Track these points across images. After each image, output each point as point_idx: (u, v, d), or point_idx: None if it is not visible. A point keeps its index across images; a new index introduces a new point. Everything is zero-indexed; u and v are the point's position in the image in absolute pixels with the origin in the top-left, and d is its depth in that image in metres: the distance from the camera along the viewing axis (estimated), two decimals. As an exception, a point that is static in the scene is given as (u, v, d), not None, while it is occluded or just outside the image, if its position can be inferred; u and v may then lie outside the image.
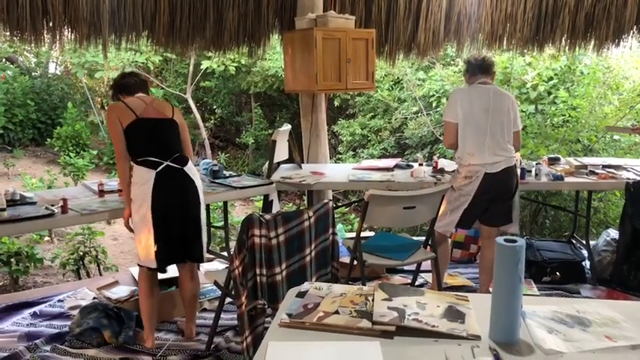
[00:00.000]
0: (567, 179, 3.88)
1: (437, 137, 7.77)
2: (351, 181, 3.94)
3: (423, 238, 3.48)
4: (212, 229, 4.52)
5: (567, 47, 4.94)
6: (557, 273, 3.93)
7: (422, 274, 3.88)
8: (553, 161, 4.27)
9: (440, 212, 3.23)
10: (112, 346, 3.03)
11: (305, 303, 1.59)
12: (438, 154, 6.34)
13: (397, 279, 4.02)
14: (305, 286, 1.73)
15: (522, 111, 6.51)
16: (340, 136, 9.09)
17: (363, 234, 3.14)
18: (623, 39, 4.84)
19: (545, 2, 4.72)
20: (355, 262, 3.11)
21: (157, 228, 2.85)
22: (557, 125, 6.63)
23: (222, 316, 3.03)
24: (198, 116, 10.43)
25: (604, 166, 4.07)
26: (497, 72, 3.58)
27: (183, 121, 3.13)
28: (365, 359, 1.32)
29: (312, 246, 2.57)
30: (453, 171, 3.58)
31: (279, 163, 4.23)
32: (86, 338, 3.06)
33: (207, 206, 4.41)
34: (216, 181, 3.79)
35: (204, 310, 3.57)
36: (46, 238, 6.41)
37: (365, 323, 1.47)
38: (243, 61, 9.62)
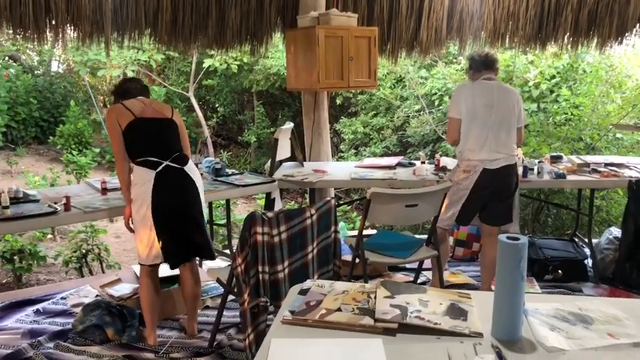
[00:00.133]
0: (570, 177, 3.88)
1: (439, 135, 7.76)
2: (353, 180, 3.94)
3: (425, 236, 3.48)
4: (214, 226, 4.53)
5: (570, 45, 4.94)
6: (560, 271, 3.92)
7: (424, 272, 3.89)
8: (555, 159, 4.27)
9: (442, 209, 3.24)
10: (115, 343, 3.03)
11: (307, 300, 1.60)
12: (440, 153, 6.32)
13: (399, 277, 4.02)
14: (307, 283, 1.73)
15: (525, 109, 6.51)
16: (342, 135, 9.10)
17: (365, 232, 3.14)
18: (626, 37, 4.83)
19: (547, 0, 4.71)
20: (357, 260, 3.12)
21: (158, 227, 2.86)
22: (560, 123, 6.62)
23: (224, 313, 3.03)
24: (200, 114, 10.44)
25: (607, 164, 4.06)
26: (499, 70, 3.57)
27: (182, 122, 3.13)
28: (367, 356, 1.32)
29: (315, 244, 2.57)
30: (455, 166, 3.58)
31: (281, 161, 4.24)
32: (89, 336, 3.07)
33: (210, 204, 4.44)
34: (219, 179, 3.80)
35: (207, 307, 3.58)
36: (49, 236, 6.43)
37: (367, 320, 1.47)
38: (245, 60, 9.62)
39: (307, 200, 4.88)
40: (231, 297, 3.01)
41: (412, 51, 4.96)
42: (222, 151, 11.02)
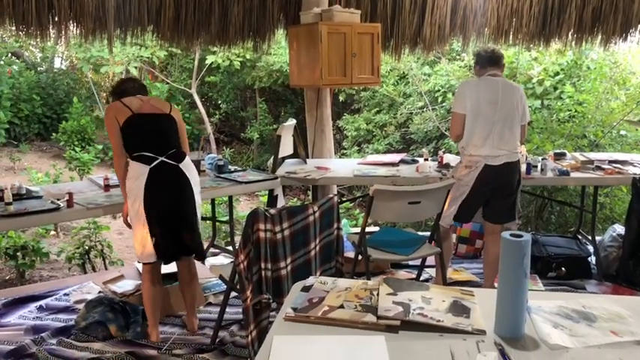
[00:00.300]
0: (573, 174, 3.87)
1: (442, 132, 7.75)
2: (356, 176, 3.94)
3: (428, 233, 3.47)
4: (217, 223, 4.53)
5: (574, 42, 4.91)
6: (563, 268, 3.92)
7: (426, 269, 3.88)
8: (559, 156, 4.26)
9: (445, 206, 3.23)
10: (118, 339, 3.04)
11: (310, 297, 1.59)
12: (443, 149, 6.33)
13: (402, 274, 4.02)
14: (310, 280, 1.73)
15: (528, 106, 6.49)
16: (345, 131, 9.08)
17: (367, 229, 3.14)
18: (630, 33, 4.80)
19: (551, -3, 4.70)
20: (360, 257, 3.11)
21: (150, 223, 2.85)
22: (563, 120, 6.60)
23: (227, 310, 3.04)
24: (203, 111, 10.44)
25: (610, 162, 4.05)
26: (504, 67, 3.56)
27: (181, 119, 3.13)
28: (370, 353, 1.32)
29: (317, 240, 2.57)
30: (458, 162, 3.57)
31: (283, 158, 4.23)
32: (92, 332, 3.08)
33: (213, 201, 4.43)
34: (222, 175, 3.80)
35: (210, 304, 3.58)
36: (52, 232, 6.45)
37: (370, 317, 1.47)
38: (248, 56, 9.61)
39: (310, 197, 4.88)
40: (233, 294, 3.01)
41: (415, 47, 4.94)
42: (224, 147, 11.02)
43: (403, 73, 8.78)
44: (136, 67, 9.71)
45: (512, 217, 3.41)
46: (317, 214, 2.54)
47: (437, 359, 1.29)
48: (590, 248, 4.17)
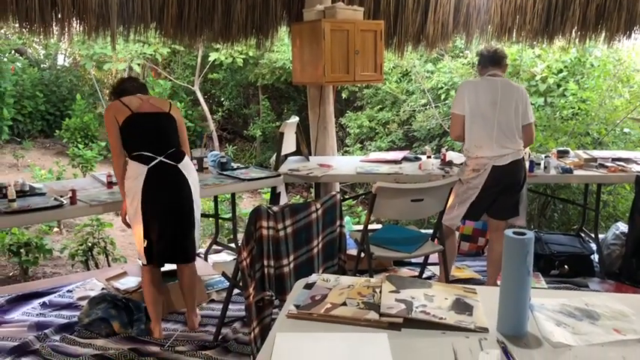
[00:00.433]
0: (576, 172, 3.85)
1: (445, 130, 7.74)
2: (358, 174, 3.94)
3: (431, 230, 3.47)
4: (220, 220, 4.54)
5: (577, 39, 4.90)
6: (566, 266, 3.91)
7: (429, 267, 3.88)
8: (562, 154, 4.25)
9: (448, 205, 3.23)
10: (121, 336, 3.05)
11: (312, 294, 1.60)
12: (446, 147, 6.33)
13: (404, 271, 4.02)
14: (313, 277, 1.73)
15: (531, 104, 6.48)
16: (348, 129, 9.08)
17: (370, 226, 3.14)
18: (634, 31, 4.78)
19: (555, -6, 4.68)
20: (362, 255, 3.11)
21: (146, 224, 2.86)
22: (567, 118, 6.58)
23: (229, 307, 3.04)
24: (206, 108, 10.44)
25: (614, 159, 4.04)
26: (507, 67, 3.54)
27: (181, 117, 3.12)
28: (372, 351, 1.32)
29: (320, 238, 2.57)
30: (461, 164, 3.56)
31: (286, 156, 4.23)
32: (95, 328, 3.08)
33: (215, 198, 4.44)
34: (224, 173, 3.80)
35: (212, 301, 3.59)
36: (55, 229, 6.46)
37: (372, 315, 1.47)
38: (250, 53, 9.62)
39: (312, 194, 4.88)
40: (236, 291, 3.01)
41: (418, 45, 4.93)
42: (227, 145, 11.03)
43: (406, 70, 8.77)
44: (139, 64, 9.71)
45: (516, 212, 3.40)
46: (319, 212, 2.54)
47: (439, 357, 1.29)
48: (593, 246, 4.16)
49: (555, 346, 1.33)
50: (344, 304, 1.54)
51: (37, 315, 3.37)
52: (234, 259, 3.64)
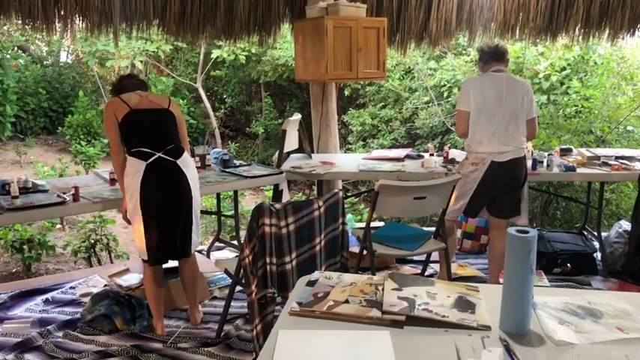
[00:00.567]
0: (579, 170, 3.85)
1: (448, 127, 7.73)
2: (361, 171, 3.94)
3: (433, 228, 3.47)
4: (222, 217, 4.54)
5: (581, 37, 4.88)
6: (568, 264, 3.91)
7: (431, 264, 3.88)
8: (565, 152, 4.23)
9: (451, 201, 3.23)
10: (124, 333, 3.06)
11: (315, 292, 1.59)
12: (449, 145, 6.32)
13: (406, 269, 4.02)
14: (315, 275, 1.73)
15: (535, 101, 6.47)
16: (350, 126, 9.07)
17: (372, 224, 3.14)
18: (638, 28, 4.76)
19: (558, -9, 4.67)
20: (365, 252, 3.11)
21: (145, 220, 2.86)
22: (570, 116, 6.57)
23: (232, 304, 3.04)
24: (208, 105, 10.44)
25: (617, 157, 4.03)
26: (509, 62, 3.54)
27: (180, 114, 3.11)
28: (375, 348, 1.32)
29: (322, 235, 2.57)
30: (464, 159, 3.56)
31: (289, 153, 4.23)
32: (97, 325, 3.09)
33: (218, 195, 4.44)
34: (227, 170, 3.80)
35: (215, 298, 3.59)
36: (58, 226, 6.48)
37: (375, 312, 1.47)
38: (253, 50, 9.60)
39: (315, 192, 4.88)
40: (238, 288, 3.02)
41: (421, 42, 4.92)
42: (229, 142, 11.03)
43: (409, 67, 8.75)
44: (141, 61, 9.72)
45: (517, 211, 3.40)
46: (322, 209, 2.54)
47: (442, 355, 1.29)
48: (596, 244, 4.16)
49: (558, 344, 1.33)
50: (346, 301, 1.54)
51: (40, 311, 3.38)
52: (237, 256, 3.65)
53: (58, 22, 3.93)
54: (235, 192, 4.25)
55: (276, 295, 2.49)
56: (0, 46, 9.68)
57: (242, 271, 2.56)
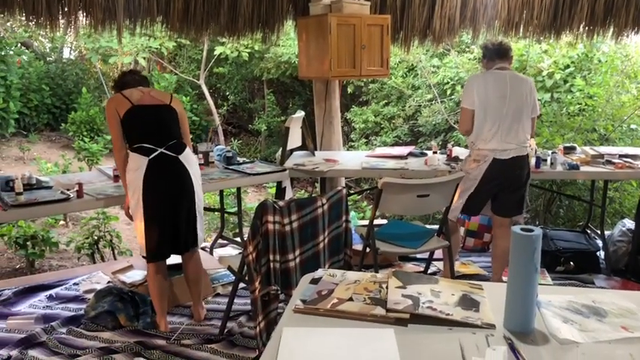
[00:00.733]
0: (583, 168, 3.84)
1: (451, 125, 7.72)
2: (364, 169, 3.94)
3: (436, 226, 3.46)
4: (225, 214, 4.55)
5: (585, 35, 4.86)
6: (572, 263, 3.90)
7: (434, 262, 3.88)
8: (569, 150, 4.23)
9: (454, 200, 3.22)
10: (127, 329, 3.06)
11: (319, 289, 1.60)
12: (452, 142, 6.31)
13: (409, 267, 4.02)
14: (319, 272, 1.73)
15: (538, 99, 6.46)
16: (353, 124, 9.07)
17: (375, 221, 3.14)
18: (642, 26, 4.74)
19: (563, -12, 4.65)
20: (368, 250, 3.11)
21: (148, 215, 2.86)
22: (573, 114, 6.55)
23: (235, 301, 3.05)
24: (211, 102, 10.44)
25: (621, 156, 4.02)
26: (513, 59, 3.53)
27: (182, 110, 3.12)
28: (379, 346, 1.32)
29: (326, 233, 2.57)
30: (467, 156, 3.56)
31: (292, 150, 4.23)
32: (101, 321, 3.10)
33: (221, 192, 4.44)
34: (230, 167, 3.80)
35: (218, 294, 3.60)
36: (61, 222, 6.49)
37: (379, 310, 1.47)
38: (256, 47, 9.60)
39: (317, 189, 4.88)
40: (241, 285, 3.02)
41: (425, 39, 4.90)
42: (232, 139, 11.03)
43: (412, 65, 8.74)
44: (144, 58, 9.71)
45: (520, 210, 3.40)
46: (326, 207, 2.54)
47: (446, 353, 1.29)
48: (599, 243, 4.15)
49: (562, 342, 1.33)
50: (350, 299, 1.54)
51: (44, 307, 3.39)
52: (240, 253, 3.65)
53: (62, 19, 3.93)
54: (238, 189, 4.25)
55: (279, 292, 2.49)
56: (4, 42, 9.68)
57: (245, 268, 2.56)
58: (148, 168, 2.84)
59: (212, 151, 4.02)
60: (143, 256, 2.97)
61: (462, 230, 4.23)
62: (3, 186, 3.07)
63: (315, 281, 1.66)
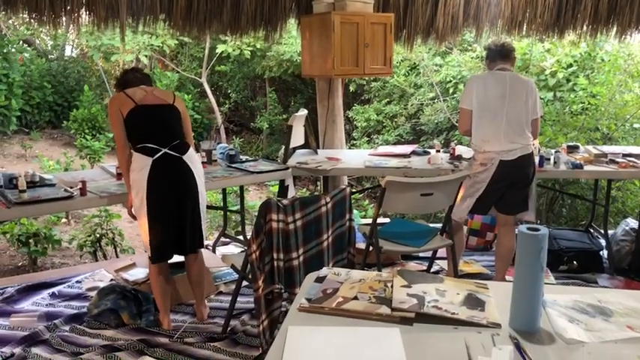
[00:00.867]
0: (587, 167, 3.83)
1: (453, 124, 7.71)
2: (367, 167, 3.93)
3: (439, 224, 3.46)
4: (227, 213, 4.54)
5: (589, 33, 4.85)
6: (575, 262, 3.89)
7: (437, 261, 3.87)
8: (572, 149, 4.22)
9: (457, 200, 3.22)
10: (130, 327, 3.07)
11: (324, 288, 1.59)
12: (455, 141, 6.31)
13: (412, 265, 4.01)
14: (323, 271, 1.73)
15: (541, 98, 6.44)
16: (355, 122, 9.06)
17: (377, 220, 3.13)
18: (646, 25, 4.73)
19: (566, -13, 4.64)
20: (371, 248, 3.11)
21: (152, 215, 2.86)
22: (576, 113, 6.54)
23: (238, 299, 3.05)
24: (213, 100, 10.44)
25: (624, 155, 4.01)
26: (515, 60, 3.52)
27: (185, 109, 3.11)
28: (384, 345, 1.32)
29: (330, 231, 2.57)
30: (470, 158, 3.55)
31: (295, 149, 4.23)
32: (104, 319, 3.10)
33: (224, 190, 4.44)
34: (233, 165, 3.80)
35: (221, 293, 3.60)
36: (64, 220, 6.50)
37: (384, 309, 1.47)
38: (258, 46, 9.60)
39: (319, 188, 4.88)
40: (245, 283, 3.02)
41: (428, 38, 4.89)
42: (234, 137, 11.03)
43: (414, 63, 8.73)
44: (146, 56, 9.71)
45: (525, 207, 3.39)
46: (329, 205, 2.54)
47: (452, 352, 1.29)
48: (602, 242, 4.14)
49: (568, 342, 1.33)
50: (355, 298, 1.54)
51: (47, 305, 3.40)
52: (242, 251, 3.65)
53: (65, 16, 3.92)
54: (241, 187, 4.25)
55: (282, 290, 2.49)
56: (6, 40, 9.68)
57: (249, 266, 2.56)
58: (152, 168, 2.83)
59: (215, 149, 4.01)
60: (150, 256, 2.97)
61: (464, 229, 4.22)
62: (6, 183, 3.08)
63: (319, 280, 1.66)
